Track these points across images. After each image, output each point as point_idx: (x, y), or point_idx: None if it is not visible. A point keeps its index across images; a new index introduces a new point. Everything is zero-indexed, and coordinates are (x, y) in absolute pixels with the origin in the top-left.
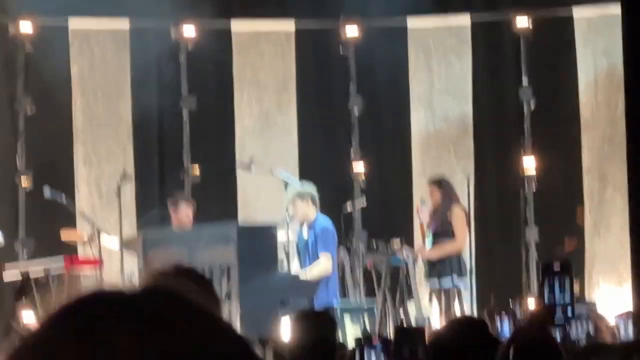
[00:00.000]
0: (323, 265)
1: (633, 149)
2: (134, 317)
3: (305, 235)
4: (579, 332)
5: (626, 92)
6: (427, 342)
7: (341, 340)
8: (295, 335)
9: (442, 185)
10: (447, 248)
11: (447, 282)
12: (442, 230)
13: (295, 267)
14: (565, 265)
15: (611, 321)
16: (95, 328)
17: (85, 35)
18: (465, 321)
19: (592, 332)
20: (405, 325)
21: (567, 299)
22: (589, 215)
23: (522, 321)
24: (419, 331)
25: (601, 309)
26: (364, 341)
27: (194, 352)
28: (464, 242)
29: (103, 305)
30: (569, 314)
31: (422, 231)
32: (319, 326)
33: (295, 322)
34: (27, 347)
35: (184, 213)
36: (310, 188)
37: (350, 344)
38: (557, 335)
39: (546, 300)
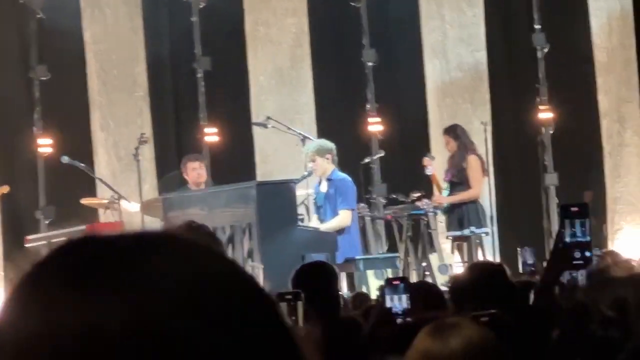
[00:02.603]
0: (341, 219)
1: None
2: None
3: (324, 189)
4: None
5: (636, 34)
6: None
7: (365, 292)
8: (295, 287)
9: (457, 133)
10: (462, 195)
11: (468, 231)
12: (458, 179)
13: (314, 222)
14: (583, 207)
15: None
16: (83, 271)
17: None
18: (483, 265)
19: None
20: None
21: (586, 239)
22: (609, 158)
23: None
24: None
25: (623, 251)
26: (385, 284)
27: (193, 284)
28: (479, 190)
29: (91, 247)
30: (588, 254)
31: (436, 183)
32: (317, 278)
33: (296, 274)
34: (16, 289)
35: (196, 172)
36: (330, 144)
37: (374, 295)
38: (577, 276)
39: (565, 240)
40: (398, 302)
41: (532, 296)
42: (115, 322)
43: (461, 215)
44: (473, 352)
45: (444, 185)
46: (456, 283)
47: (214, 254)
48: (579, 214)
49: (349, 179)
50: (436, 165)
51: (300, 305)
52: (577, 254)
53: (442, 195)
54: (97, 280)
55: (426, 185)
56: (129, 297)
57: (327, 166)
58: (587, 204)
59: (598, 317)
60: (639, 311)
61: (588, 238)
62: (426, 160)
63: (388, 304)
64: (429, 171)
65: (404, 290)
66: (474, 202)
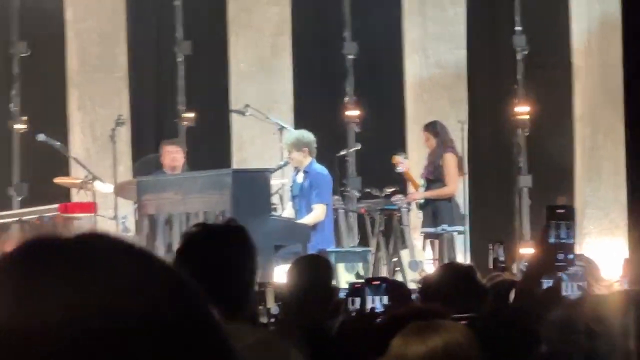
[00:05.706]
0: (316, 214)
1: (630, 95)
2: (64, 260)
3: (300, 179)
4: (569, 289)
5: (624, 40)
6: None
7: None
8: (292, 280)
9: (436, 130)
10: (437, 191)
11: (440, 228)
12: (434, 177)
13: (288, 212)
14: (569, 210)
15: (607, 274)
16: (28, 273)
17: None
18: (453, 267)
19: (584, 288)
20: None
21: (570, 241)
22: (580, 162)
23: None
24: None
25: (595, 259)
26: (364, 282)
27: (128, 290)
28: (455, 187)
29: (36, 251)
30: (570, 256)
31: (411, 180)
32: (316, 270)
33: (293, 266)
34: None
35: (171, 156)
36: (309, 137)
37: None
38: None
39: (549, 241)
40: (379, 303)
41: (512, 296)
42: (53, 316)
43: (435, 212)
44: (451, 355)
45: (421, 182)
46: (427, 283)
47: (152, 261)
48: (564, 216)
49: (326, 172)
50: (413, 161)
51: (269, 292)
52: (560, 256)
53: (417, 192)
54: (40, 280)
55: (400, 181)
56: (67, 297)
57: (303, 159)
58: (573, 207)
59: (582, 329)
60: (624, 328)
61: (572, 240)
62: (395, 159)
63: (369, 304)
64: (399, 169)
65: (385, 291)
66: (448, 200)
